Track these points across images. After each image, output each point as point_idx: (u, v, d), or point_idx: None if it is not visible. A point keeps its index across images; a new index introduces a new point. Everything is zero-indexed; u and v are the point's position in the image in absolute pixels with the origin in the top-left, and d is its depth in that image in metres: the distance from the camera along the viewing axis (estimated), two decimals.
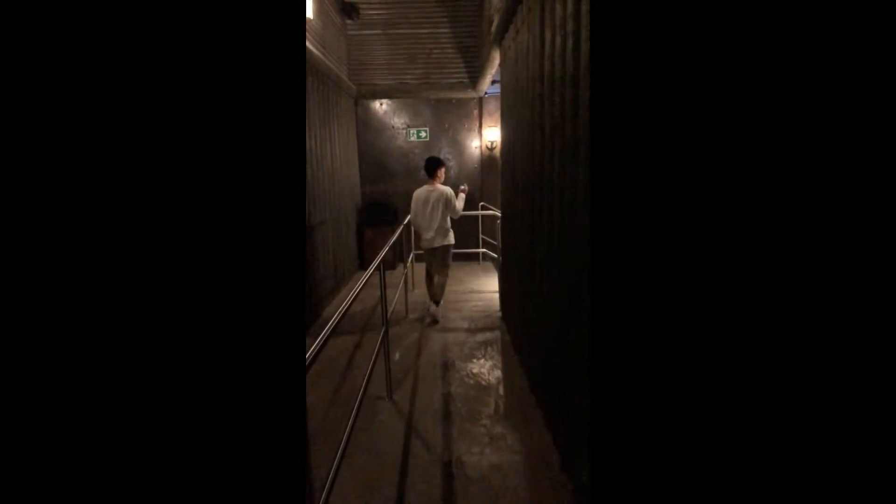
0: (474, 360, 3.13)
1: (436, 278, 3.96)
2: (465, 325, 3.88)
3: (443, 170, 3.80)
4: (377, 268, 2.32)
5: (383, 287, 2.44)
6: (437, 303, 3.99)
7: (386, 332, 2.48)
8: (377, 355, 2.30)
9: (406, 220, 4.33)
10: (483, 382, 2.81)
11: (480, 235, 6.30)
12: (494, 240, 6.28)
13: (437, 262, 3.90)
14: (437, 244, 3.82)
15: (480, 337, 3.58)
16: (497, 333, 3.65)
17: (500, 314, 4.09)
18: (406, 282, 4.16)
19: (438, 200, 3.71)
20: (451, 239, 3.88)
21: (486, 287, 5.11)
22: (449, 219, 3.82)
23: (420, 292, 4.91)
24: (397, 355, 3.24)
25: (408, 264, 4.71)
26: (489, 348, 3.34)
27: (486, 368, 3.00)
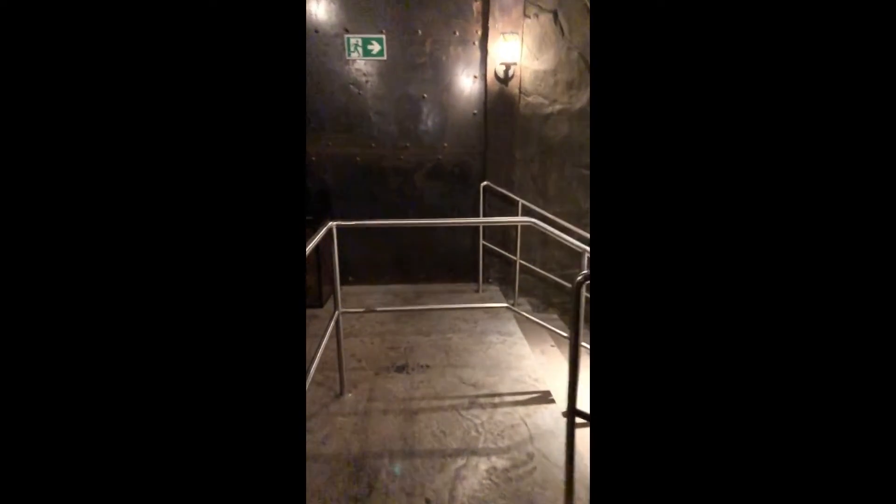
0: None
1: None
2: None
3: None
4: None
5: None
6: None
7: None
8: None
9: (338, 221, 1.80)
10: None
11: (481, 241, 3.57)
12: (504, 249, 3.57)
13: None
14: None
15: None
16: None
17: None
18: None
19: None
20: None
21: (511, 369, 2.44)
22: None
23: (359, 391, 2.19)
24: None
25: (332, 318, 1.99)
26: None
27: None
